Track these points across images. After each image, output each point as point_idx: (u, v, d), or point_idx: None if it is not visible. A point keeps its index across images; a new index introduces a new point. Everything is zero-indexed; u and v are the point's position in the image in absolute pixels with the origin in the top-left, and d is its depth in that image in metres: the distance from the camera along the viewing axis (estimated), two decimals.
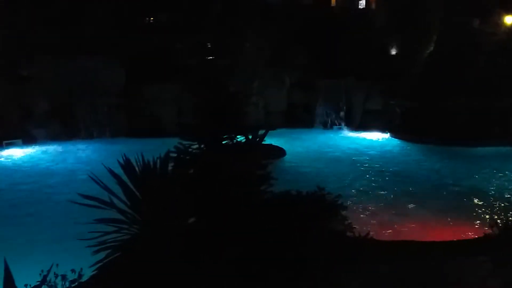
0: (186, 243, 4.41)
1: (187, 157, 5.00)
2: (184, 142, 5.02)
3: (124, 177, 4.88)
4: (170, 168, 5.00)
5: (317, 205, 4.77)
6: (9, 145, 13.96)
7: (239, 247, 4.24)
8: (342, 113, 17.69)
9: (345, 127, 17.55)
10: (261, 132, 5.28)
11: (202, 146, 5.04)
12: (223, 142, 5.10)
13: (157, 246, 4.37)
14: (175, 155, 4.96)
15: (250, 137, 5.19)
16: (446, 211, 8.66)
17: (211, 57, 16.56)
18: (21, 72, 15.00)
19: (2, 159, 12.80)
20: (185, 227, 4.70)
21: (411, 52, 16.90)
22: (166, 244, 4.38)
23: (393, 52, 17.99)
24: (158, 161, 4.97)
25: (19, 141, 14.27)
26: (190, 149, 5.01)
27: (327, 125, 17.72)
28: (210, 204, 4.69)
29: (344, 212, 4.94)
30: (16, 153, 13.38)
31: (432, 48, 16.51)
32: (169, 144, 5.04)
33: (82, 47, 15.00)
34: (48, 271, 3.75)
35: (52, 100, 15.21)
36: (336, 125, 17.69)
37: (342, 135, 16.83)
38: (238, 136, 5.15)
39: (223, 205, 4.63)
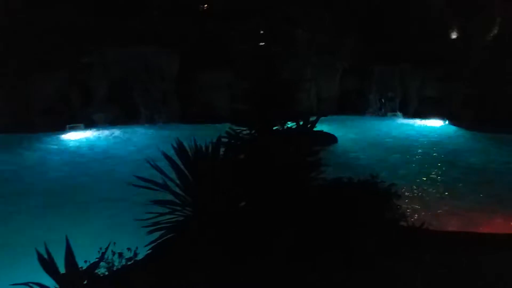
0: (236, 226, 4.48)
1: (238, 143, 5.05)
2: (235, 128, 5.07)
3: (178, 161, 5.02)
4: (221, 153, 5.08)
5: (369, 193, 4.68)
6: (72, 129, 14.74)
7: (290, 233, 4.26)
8: (397, 100, 17.16)
9: (400, 114, 17.01)
10: (312, 118, 5.23)
11: (253, 131, 5.06)
12: (274, 128, 5.10)
13: (209, 228, 4.48)
14: (226, 140, 5.02)
15: (301, 123, 5.16)
16: None
17: (263, 44, 16.53)
18: (84, 60, 15.75)
19: (63, 141, 13.52)
20: (236, 211, 4.78)
21: (472, 35, 15.99)
22: (217, 227, 4.47)
23: (453, 36, 17.11)
24: (210, 146, 5.06)
25: (81, 125, 15.02)
26: (241, 135, 5.06)
27: (381, 112, 17.25)
28: (261, 189, 4.73)
29: (397, 202, 4.82)
30: (77, 137, 14.11)
31: (496, 31, 15.53)
32: (221, 129, 5.11)
33: (139, 36, 15.50)
34: (106, 249, 3.96)
35: (111, 86, 15.88)
36: (391, 112, 17.17)
37: (396, 122, 16.32)
38: (289, 123, 5.14)
39: (273, 190, 4.65)
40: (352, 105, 17.34)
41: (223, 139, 5.04)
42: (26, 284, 3.51)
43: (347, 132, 14.27)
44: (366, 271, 4.10)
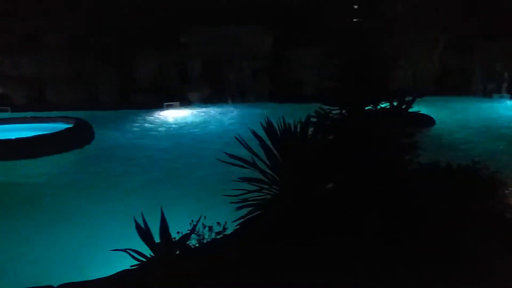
0: (324, 207, 4.42)
1: (328, 122, 4.93)
2: (325, 107, 4.94)
3: (267, 141, 5.05)
4: (310, 132, 5.01)
5: (471, 180, 4.31)
6: (168, 107, 15.56)
7: (380, 218, 4.10)
8: (505, 80, 15.61)
9: (508, 95, 15.49)
10: (408, 98, 4.92)
11: (344, 111, 4.90)
12: (366, 108, 4.89)
13: (295, 208, 4.46)
14: (315, 119, 4.93)
15: (396, 103, 4.88)
16: None
17: (357, 19, 15.87)
18: (180, 40, 16.44)
19: (162, 118, 14.32)
20: (324, 192, 4.70)
21: None
22: (304, 207, 4.44)
23: None
24: (299, 125, 5.01)
25: (177, 103, 15.80)
26: (331, 115, 4.92)
27: (486, 93, 15.83)
28: (351, 171, 4.59)
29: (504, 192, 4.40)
30: (173, 114, 14.85)
31: None
32: (311, 109, 5.02)
33: (232, 15, 15.75)
34: (197, 222, 4.12)
35: (205, 65, 16.44)
36: (497, 93, 15.69)
37: (504, 104, 14.88)
38: (383, 102, 4.89)
39: (364, 173, 4.49)
40: (453, 84, 16.12)
41: (312, 119, 4.95)
42: (124, 250, 3.77)
43: (446, 114, 13.31)
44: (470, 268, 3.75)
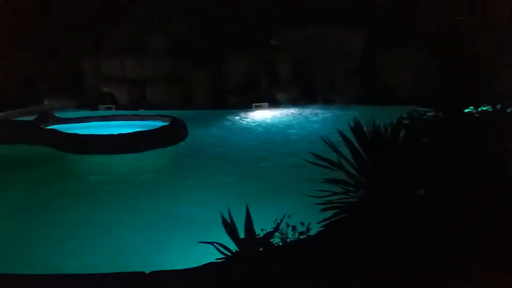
0: (413, 215, 4.20)
1: (421, 125, 4.68)
2: (419, 109, 4.70)
3: (355, 142, 4.92)
4: (401, 135, 4.79)
5: None
6: (257, 108, 15.86)
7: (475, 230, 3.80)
8: None
9: None
10: None
11: (440, 114, 4.62)
12: (466, 111, 4.57)
13: (383, 213, 4.30)
14: (407, 122, 4.70)
15: (499, 106, 4.50)
16: None
17: (458, 18, 14.89)
18: (271, 42, 16.71)
19: (251, 118, 14.66)
20: (413, 199, 4.47)
21: None
22: (392, 213, 4.26)
23: None
24: (389, 127, 4.81)
25: (266, 104, 16.04)
26: (425, 117, 4.67)
27: None
28: (445, 177, 4.31)
29: None
30: (262, 114, 15.11)
31: None
32: (403, 112, 4.81)
33: (323, 16, 15.63)
34: (281, 220, 4.14)
35: (295, 67, 16.49)
36: None
37: None
38: (484, 105, 4.54)
39: (460, 180, 4.20)
40: None
41: (404, 121, 4.74)
42: (211, 243, 3.90)
43: None
44: None
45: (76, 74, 16.96)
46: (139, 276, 3.99)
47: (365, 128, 4.89)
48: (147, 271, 4.03)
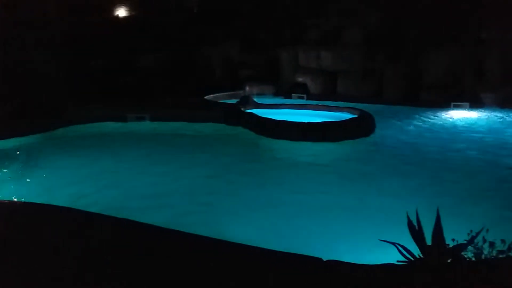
0: None
1: None
2: None
3: None
4: None
5: None
6: (456, 107, 14.48)
7: None
8: None
9: None
10: None
11: None
12: None
13: None
14: None
15: None
16: None
17: None
18: (479, 36, 15.01)
19: (448, 118, 13.44)
20: None
21: None
22: None
23: None
24: None
25: (466, 104, 14.53)
26: None
27: None
28: None
29: None
30: (461, 115, 13.72)
31: None
32: None
33: None
34: (477, 234, 3.70)
35: (506, 64, 14.49)
36: None
37: None
38: None
39: None
40: None
41: None
42: (393, 243, 3.73)
43: None
44: None
45: (274, 64, 18.15)
46: (316, 261, 4.06)
47: None
48: (324, 259, 4.07)
